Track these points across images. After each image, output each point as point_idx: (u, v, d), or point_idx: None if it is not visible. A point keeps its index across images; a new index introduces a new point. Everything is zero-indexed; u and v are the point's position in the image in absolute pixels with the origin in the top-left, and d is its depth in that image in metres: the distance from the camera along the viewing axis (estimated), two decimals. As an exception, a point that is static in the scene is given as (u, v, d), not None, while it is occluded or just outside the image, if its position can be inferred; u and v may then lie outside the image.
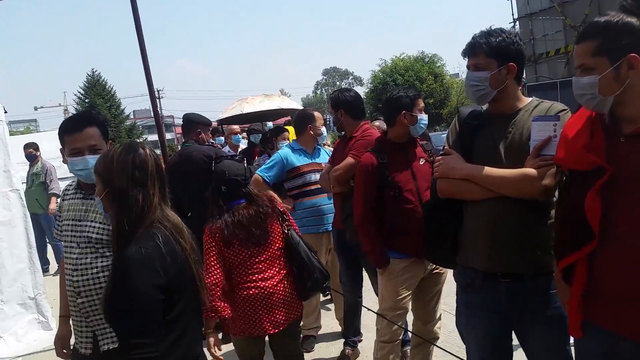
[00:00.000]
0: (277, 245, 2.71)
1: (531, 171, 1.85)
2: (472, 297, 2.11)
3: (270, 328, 2.63)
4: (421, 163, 2.95)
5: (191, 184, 4.21)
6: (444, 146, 2.17)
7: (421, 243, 2.31)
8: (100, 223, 2.19)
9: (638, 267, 1.52)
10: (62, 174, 7.62)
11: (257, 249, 2.64)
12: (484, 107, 2.11)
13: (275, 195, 4.01)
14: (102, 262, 2.15)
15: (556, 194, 1.89)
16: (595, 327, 1.66)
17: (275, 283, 2.65)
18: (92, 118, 2.29)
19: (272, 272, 2.66)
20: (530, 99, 2.05)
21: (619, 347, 1.60)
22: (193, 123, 4.38)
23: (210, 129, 5.43)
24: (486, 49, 1.96)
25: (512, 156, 1.94)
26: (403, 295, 2.91)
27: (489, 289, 2.03)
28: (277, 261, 2.70)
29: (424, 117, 2.91)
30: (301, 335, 4.16)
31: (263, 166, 4.02)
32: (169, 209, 1.87)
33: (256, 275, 2.63)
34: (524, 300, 1.98)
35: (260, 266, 2.64)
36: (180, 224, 1.86)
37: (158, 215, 1.76)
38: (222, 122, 8.39)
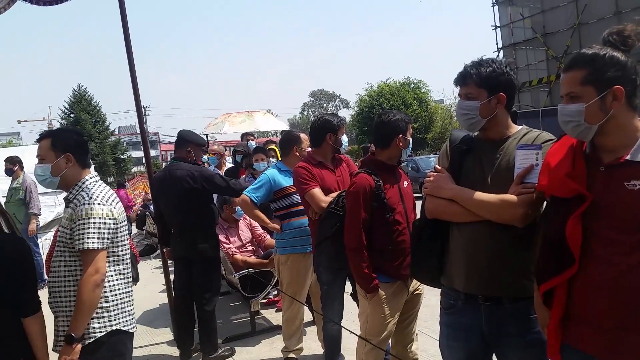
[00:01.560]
0: None
1: (511, 197, 1.89)
2: (454, 318, 2.14)
3: None
4: (405, 185, 3.00)
5: (174, 201, 4.19)
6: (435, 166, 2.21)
7: (408, 265, 2.31)
8: (63, 226, 2.33)
9: (612, 292, 1.56)
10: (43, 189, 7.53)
11: None
12: (476, 132, 2.16)
13: (264, 216, 4.03)
14: (62, 263, 2.31)
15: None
16: (573, 350, 1.69)
17: None
18: (48, 131, 2.51)
19: None
20: (520, 127, 2.10)
21: None
22: (185, 141, 4.36)
23: (205, 148, 5.43)
24: (476, 79, 2.01)
25: (498, 182, 1.98)
26: (391, 320, 2.89)
27: (470, 311, 2.06)
28: None
29: (410, 141, 3.00)
30: (282, 358, 4.13)
31: (250, 187, 4.01)
32: None
33: None
34: (503, 324, 2.00)
35: None
36: None
37: None
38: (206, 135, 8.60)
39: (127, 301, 2.43)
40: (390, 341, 3.13)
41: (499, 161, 2.01)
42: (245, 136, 8.12)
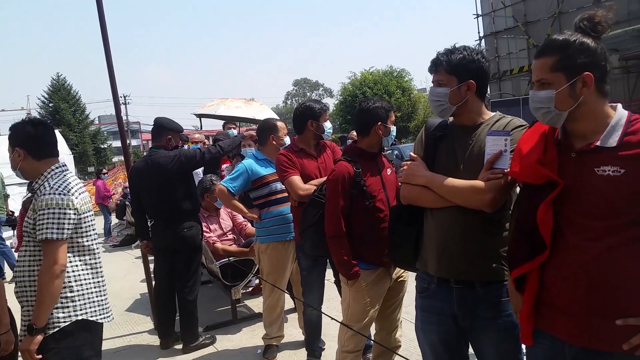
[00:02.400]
0: None
1: (479, 183, 1.92)
2: (427, 302, 2.17)
3: None
4: (388, 173, 3.00)
5: (158, 190, 4.15)
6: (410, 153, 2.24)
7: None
8: (28, 217, 2.34)
9: (583, 277, 1.58)
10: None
11: None
12: (450, 118, 2.18)
13: (242, 206, 4.02)
14: (27, 253, 2.33)
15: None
16: (545, 334, 1.72)
17: None
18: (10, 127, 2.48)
19: None
20: (493, 113, 2.12)
21: (565, 353, 1.66)
22: (164, 129, 4.29)
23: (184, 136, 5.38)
24: (446, 67, 2.03)
25: (470, 168, 2.00)
26: (372, 307, 2.91)
27: (442, 294, 2.09)
28: None
29: (394, 129, 2.98)
30: (263, 345, 4.15)
31: (227, 177, 4.01)
32: None
33: None
34: (474, 307, 2.03)
35: None
36: None
37: None
38: (198, 116, 8.59)
39: (95, 291, 2.42)
40: (374, 327, 3.16)
41: (471, 147, 2.04)
42: (227, 124, 8.07)
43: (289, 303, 4.56)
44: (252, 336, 4.55)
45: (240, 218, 5.56)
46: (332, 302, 4.62)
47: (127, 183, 5.59)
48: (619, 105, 1.64)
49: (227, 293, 4.91)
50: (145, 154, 5.90)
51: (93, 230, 2.45)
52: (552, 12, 18.78)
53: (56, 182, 2.32)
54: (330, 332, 3.97)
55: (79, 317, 2.32)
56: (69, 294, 2.30)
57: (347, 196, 2.84)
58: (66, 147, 15.12)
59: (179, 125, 4.52)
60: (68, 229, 2.26)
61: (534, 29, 19.90)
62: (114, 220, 12.31)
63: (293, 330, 4.43)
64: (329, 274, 3.65)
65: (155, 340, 4.57)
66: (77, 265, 2.34)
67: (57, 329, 2.26)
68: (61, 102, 34.08)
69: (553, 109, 1.62)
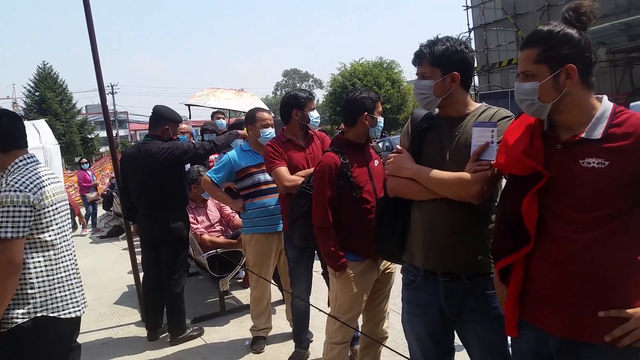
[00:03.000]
0: None
1: (466, 175, 1.91)
2: (414, 294, 2.17)
3: None
4: (376, 164, 2.99)
5: (146, 179, 4.10)
6: (396, 146, 2.22)
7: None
8: None
9: (568, 269, 1.59)
10: None
11: None
12: (436, 110, 2.17)
13: (226, 196, 4.00)
14: None
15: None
16: (530, 326, 1.72)
17: None
18: None
19: None
20: (479, 104, 2.11)
21: (549, 344, 1.67)
22: (162, 118, 4.18)
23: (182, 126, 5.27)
24: (429, 59, 2.02)
25: (456, 159, 1.99)
26: (360, 298, 2.91)
27: (429, 287, 2.09)
28: None
29: (382, 120, 2.96)
30: (251, 337, 4.14)
31: (212, 168, 4.00)
32: None
33: None
34: (461, 300, 2.04)
35: None
36: None
37: None
38: (188, 105, 8.50)
39: (59, 287, 2.35)
40: (362, 319, 3.17)
41: (457, 139, 2.03)
42: (215, 115, 8.01)
43: (277, 295, 4.55)
44: (240, 328, 4.55)
45: (227, 209, 5.54)
46: (320, 294, 4.62)
47: (114, 173, 5.54)
48: (605, 97, 1.64)
49: (215, 285, 4.89)
50: (132, 144, 5.81)
51: (57, 224, 2.36)
52: (541, 5, 18.87)
53: (14, 178, 2.25)
54: (318, 324, 3.98)
55: (39, 314, 2.27)
56: (29, 291, 2.24)
57: (334, 187, 2.83)
58: (52, 137, 14.85)
59: (179, 115, 4.39)
60: (24, 226, 2.20)
61: (523, 21, 19.97)
62: (100, 211, 12.20)
63: (281, 322, 4.43)
64: (317, 265, 3.65)
65: (142, 332, 4.55)
66: (39, 262, 2.28)
67: (14, 324, 2.21)
68: (47, 91, 33.66)
69: (537, 100, 1.62)
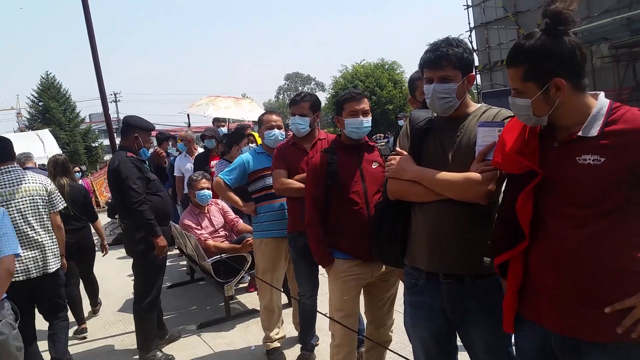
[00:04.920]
0: None
1: (475, 175, 1.89)
2: (416, 297, 2.15)
3: None
4: (373, 167, 2.95)
5: (113, 192, 4.15)
6: (396, 148, 2.20)
7: (365, 245, 2.35)
8: None
9: (565, 265, 1.59)
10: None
11: None
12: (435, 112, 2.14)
13: (236, 198, 3.98)
14: None
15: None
16: (528, 322, 1.74)
17: None
18: None
19: None
20: (480, 104, 2.10)
21: (550, 341, 1.67)
22: (130, 127, 4.06)
23: (158, 135, 5.25)
24: (454, 61, 1.97)
25: (458, 160, 1.98)
26: (349, 296, 2.90)
27: (431, 289, 2.07)
28: None
29: (353, 122, 2.87)
30: (261, 344, 4.06)
31: (226, 169, 4.01)
32: None
33: None
34: (464, 302, 2.02)
35: None
36: None
37: None
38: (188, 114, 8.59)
39: None
40: (364, 319, 3.17)
41: (459, 139, 2.01)
42: (216, 122, 8.02)
43: (283, 299, 4.52)
44: (245, 332, 4.54)
45: (231, 214, 5.53)
46: (326, 297, 4.59)
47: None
48: (601, 94, 1.64)
49: (220, 290, 4.89)
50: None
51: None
52: (542, 2, 18.79)
53: None
54: (324, 327, 3.96)
55: None
56: None
57: (321, 186, 2.88)
58: (57, 146, 14.89)
59: (149, 123, 4.25)
60: None
61: (525, 19, 19.90)
62: (105, 219, 12.21)
63: (287, 326, 4.41)
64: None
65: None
66: None
67: None
68: (51, 100, 33.77)
69: (532, 115, 1.63)
